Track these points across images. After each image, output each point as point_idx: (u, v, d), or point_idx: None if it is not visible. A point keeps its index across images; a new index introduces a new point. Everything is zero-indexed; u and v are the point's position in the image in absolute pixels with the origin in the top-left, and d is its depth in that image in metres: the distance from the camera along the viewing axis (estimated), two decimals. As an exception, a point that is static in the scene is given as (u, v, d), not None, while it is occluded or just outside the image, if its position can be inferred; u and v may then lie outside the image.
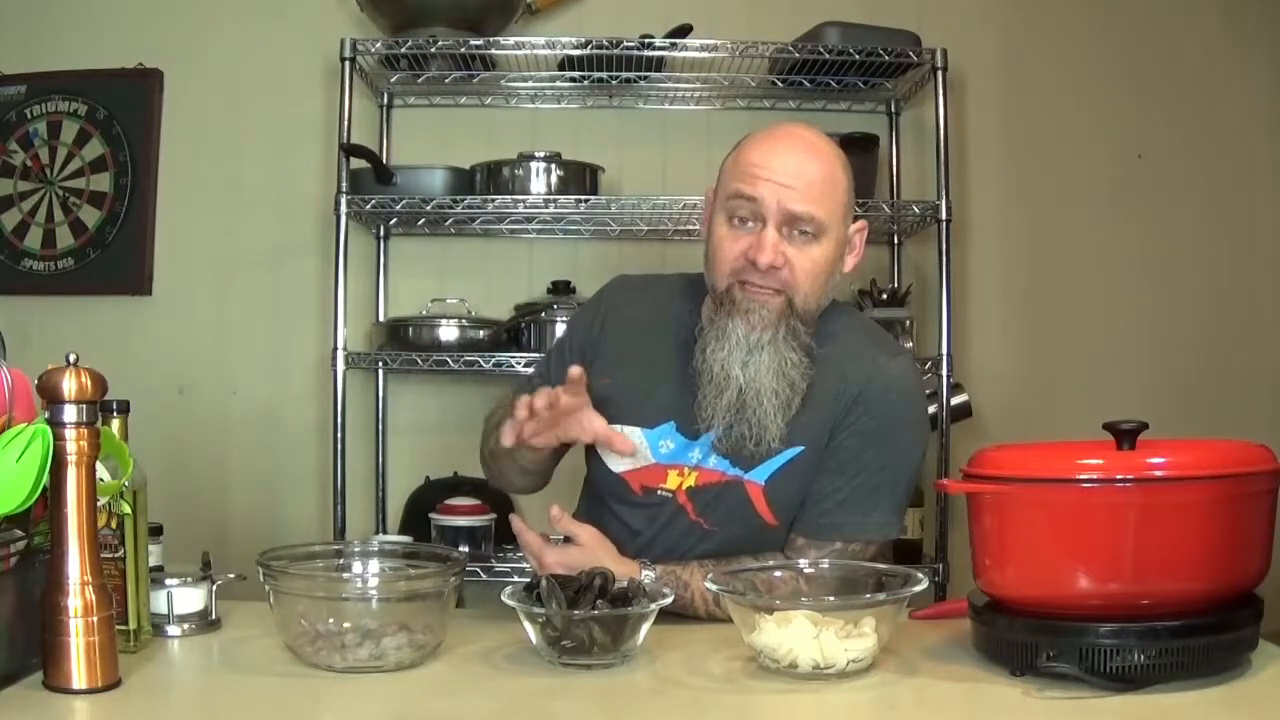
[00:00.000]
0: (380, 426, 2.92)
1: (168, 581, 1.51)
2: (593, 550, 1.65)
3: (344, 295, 2.64)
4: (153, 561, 1.54)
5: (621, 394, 1.78)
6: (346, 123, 2.66)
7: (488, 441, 1.91)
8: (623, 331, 1.84)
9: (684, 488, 1.74)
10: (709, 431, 1.71)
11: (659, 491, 1.75)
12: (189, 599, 1.52)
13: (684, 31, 2.74)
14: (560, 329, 2.63)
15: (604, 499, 1.82)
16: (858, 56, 2.66)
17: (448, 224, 2.84)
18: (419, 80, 2.84)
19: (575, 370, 1.62)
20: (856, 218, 1.77)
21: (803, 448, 1.70)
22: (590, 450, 1.83)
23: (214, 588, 1.55)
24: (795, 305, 1.68)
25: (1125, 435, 1.36)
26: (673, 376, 1.76)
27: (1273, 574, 1.37)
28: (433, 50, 2.70)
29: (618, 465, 1.78)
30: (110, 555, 1.39)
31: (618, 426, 1.75)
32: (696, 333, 1.74)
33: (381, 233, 2.95)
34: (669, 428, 1.74)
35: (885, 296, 2.77)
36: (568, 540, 1.68)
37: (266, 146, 3.00)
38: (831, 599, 1.45)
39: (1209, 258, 3.05)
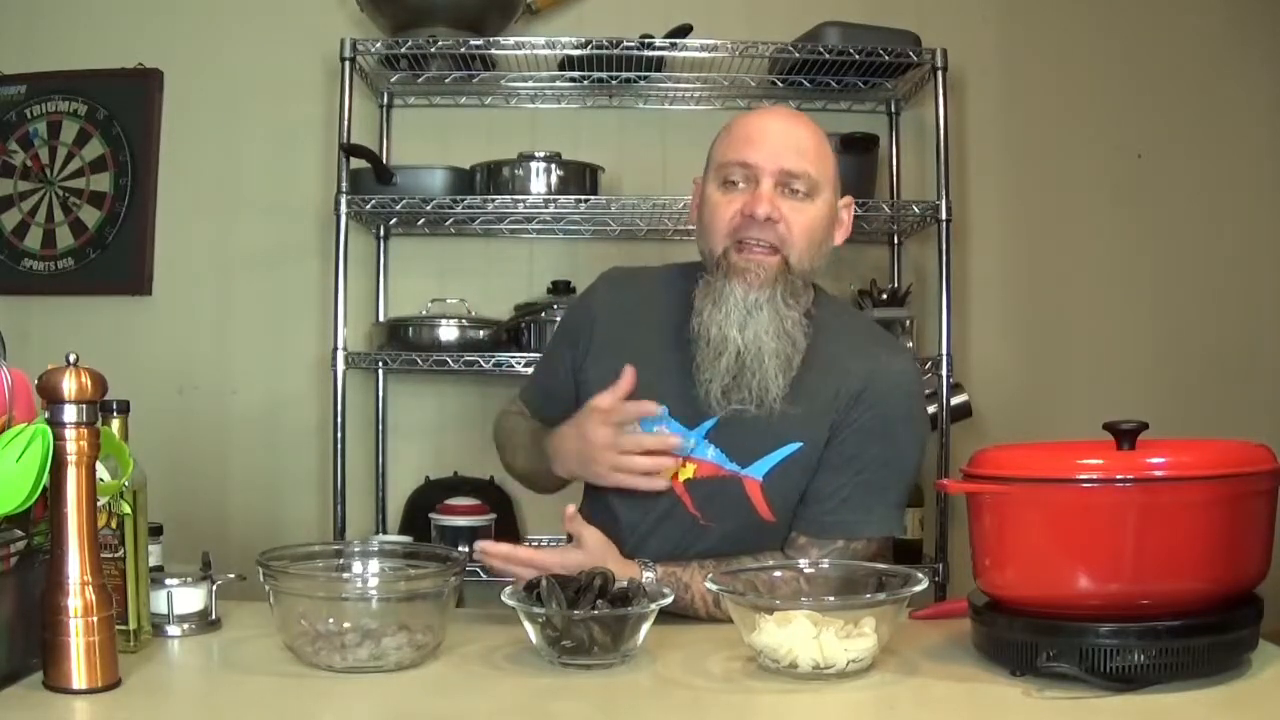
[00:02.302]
0: (380, 426, 2.92)
1: (168, 581, 1.51)
2: (595, 555, 1.63)
3: (344, 295, 2.64)
4: (153, 561, 1.54)
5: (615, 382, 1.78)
6: (346, 123, 2.66)
7: (511, 454, 1.95)
8: (614, 320, 1.84)
9: (682, 479, 1.73)
10: (710, 403, 1.69)
11: None
12: (189, 599, 1.53)
13: (684, 31, 2.74)
14: (560, 329, 2.63)
15: (601, 490, 1.81)
16: (858, 56, 2.66)
17: (448, 224, 2.84)
18: (419, 80, 2.84)
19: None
20: (854, 220, 1.79)
21: (802, 444, 1.70)
22: None
23: (214, 588, 1.55)
24: (791, 264, 1.68)
25: (1125, 435, 1.36)
26: (668, 365, 1.76)
27: (1273, 574, 1.37)
28: (433, 50, 2.70)
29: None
30: (110, 555, 1.39)
31: None
32: (692, 299, 1.74)
33: (381, 233, 2.95)
34: (662, 414, 1.74)
35: (885, 296, 2.76)
36: (570, 541, 1.68)
37: (266, 146, 3.00)
38: (831, 599, 1.45)
39: (1209, 257, 3.05)
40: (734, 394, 1.67)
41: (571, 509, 1.66)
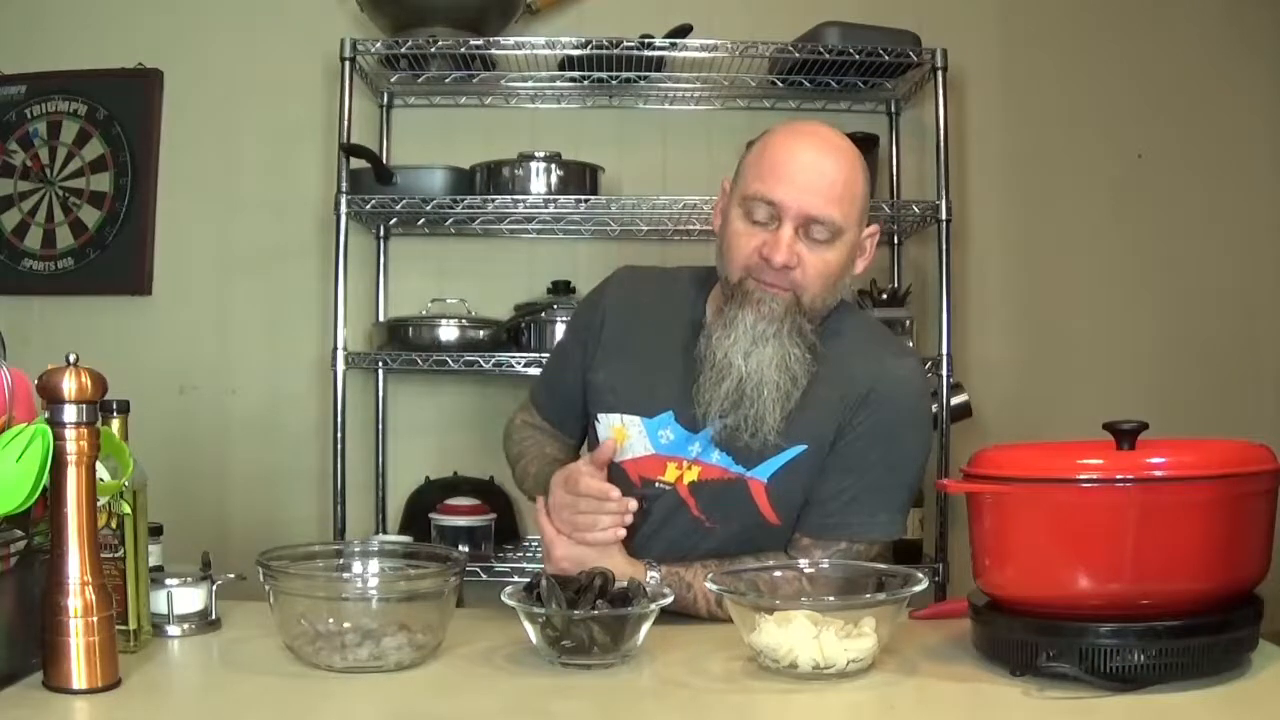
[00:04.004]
0: (380, 426, 2.92)
1: (168, 581, 1.51)
2: (607, 553, 1.63)
3: (344, 295, 2.64)
4: (153, 561, 1.54)
5: (621, 383, 1.79)
6: (346, 123, 2.66)
7: (521, 475, 1.95)
8: (624, 320, 1.85)
9: (685, 482, 1.74)
10: (706, 423, 1.70)
11: (657, 484, 1.75)
12: (189, 599, 1.53)
13: (684, 31, 2.74)
14: (560, 329, 2.63)
15: None
16: (858, 56, 2.66)
17: (448, 224, 2.84)
18: (419, 80, 2.84)
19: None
20: (869, 221, 1.77)
21: (806, 446, 1.70)
22: (592, 441, 1.85)
23: (214, 588, 1.55)
24: (803, 303, 1.68)
25: (1125, 435, 1.36)
26: (674, 367, 1.76)
27: (1273, 574, 1.37)
28: (433, 50, 2.70)
29: (617, 455, 1.78)
30: (110, 555, 1.39)
31: (616, 416, 1.78)
32: (703, 322, 1.74)
33: (381, 233, 2.95)
34: (668, 417, 1.74)
35: (885, 296, 2.77)
36: None
37: (266, 147, 3.00)
38: (831, 599, 1.45)
39: (1209, 258, 3.05)
40: (730, 420, 1.68)
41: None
